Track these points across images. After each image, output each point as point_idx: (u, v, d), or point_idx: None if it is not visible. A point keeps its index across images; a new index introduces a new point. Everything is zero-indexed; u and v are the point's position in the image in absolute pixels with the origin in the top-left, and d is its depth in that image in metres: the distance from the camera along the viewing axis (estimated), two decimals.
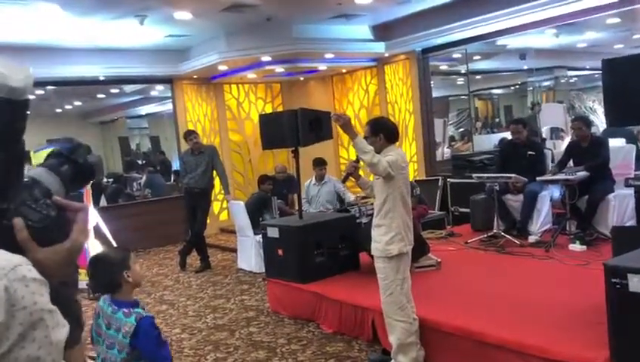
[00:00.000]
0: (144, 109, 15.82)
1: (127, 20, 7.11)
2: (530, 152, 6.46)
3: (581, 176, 5.66)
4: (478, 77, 13.46)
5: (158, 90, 11.57)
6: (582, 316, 3.67)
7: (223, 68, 9.12)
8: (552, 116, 11.69)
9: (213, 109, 10.39)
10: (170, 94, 10.25)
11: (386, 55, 9.15)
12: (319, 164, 7.39)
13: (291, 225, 5.43)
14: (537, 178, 6.05)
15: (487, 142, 11.04)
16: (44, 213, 0.91)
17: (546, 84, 15.40)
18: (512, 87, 16.18)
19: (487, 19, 7.31)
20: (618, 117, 2.68)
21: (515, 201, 6.35)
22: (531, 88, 15.74)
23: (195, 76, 9.76)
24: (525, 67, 13.57)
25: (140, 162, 14.99)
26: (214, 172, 7.54)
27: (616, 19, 8.70)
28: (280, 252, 5.35)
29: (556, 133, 11.40)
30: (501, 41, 9.28)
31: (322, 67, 9.82)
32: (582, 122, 6.30)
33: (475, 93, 14.65)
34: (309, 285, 5.06)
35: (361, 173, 4.08)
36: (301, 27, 8.17)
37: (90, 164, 1.10)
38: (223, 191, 7.95)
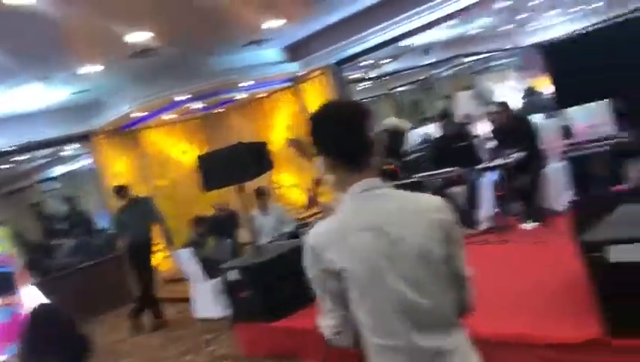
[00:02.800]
0: (56, 170, 14.98)
1: (31, 85, 6.69)
2: (461, 143, 6.63)
3: (518, 158, 5.83)
4: (386, 78, 13.87)
5: (72, 147, 10.94)
6: (558, 294, 3.70)
7: (137, 114, 8.78)
8: (464, 103, 12.15)
9: (135, 158, 9.95)
10: (84, 151, 9.75)
11: (302, 73, 9.18)
12: (261, 194, 7.32)
13: (250, 263, 5.23)
14: (475, 167, 6.20)
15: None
16: None
17: (446, 74, 16.21)
18: (417, 82, 16.80)
19: (395, 22, 7.48)
20: (570, 97, 2.73)
21: (458, 193, 6.47)
22: (436, 79, 16.52)
23: (110, 128, 9.32)
24: (427, 62, 14.11)
25: (61, 227, 14.07)
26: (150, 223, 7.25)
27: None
28: (244, 293, 5.12)
29: (470, 119, 11.84)
30: (404, 42, 9.54)
31: (240, 95, 9.70)
32: (501, 107, 6.54)
33: (386, 94, 15.10)
34: (282, 321, 4.87)
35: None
36: (214, 60, 8.03)
37: None
38: (163, 242, 7.64)
